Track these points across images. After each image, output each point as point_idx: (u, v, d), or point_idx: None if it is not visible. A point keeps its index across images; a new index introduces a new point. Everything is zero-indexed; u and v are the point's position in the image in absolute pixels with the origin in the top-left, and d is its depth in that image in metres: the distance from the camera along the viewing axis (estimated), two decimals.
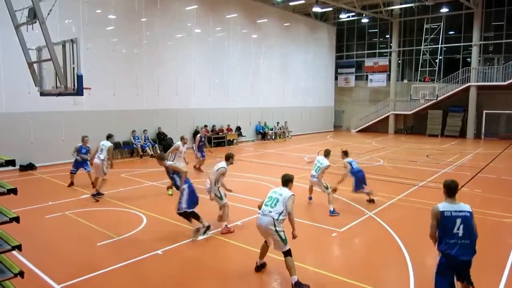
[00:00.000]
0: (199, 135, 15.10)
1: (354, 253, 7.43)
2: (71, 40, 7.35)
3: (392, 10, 31.31)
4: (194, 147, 15.15)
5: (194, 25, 21.75)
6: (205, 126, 22.57)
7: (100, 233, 7.85)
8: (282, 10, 28.77)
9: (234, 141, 24.31)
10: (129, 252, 6.89)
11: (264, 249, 6.24)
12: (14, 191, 3.84)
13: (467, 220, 4.57)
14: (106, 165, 10.87)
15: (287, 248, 5.83)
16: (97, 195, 10.47)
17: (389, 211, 9.67)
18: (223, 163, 8.27)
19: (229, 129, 24.25)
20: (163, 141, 20.00)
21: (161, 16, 19.90)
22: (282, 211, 5.86)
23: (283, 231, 5.85)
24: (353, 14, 31.14)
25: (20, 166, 14.56)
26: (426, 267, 6.67)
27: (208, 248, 7.26)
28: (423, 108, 30.30)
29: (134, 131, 18.63)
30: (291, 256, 5.79)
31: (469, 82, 28.60)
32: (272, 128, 27.86)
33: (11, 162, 3.91)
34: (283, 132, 28.34)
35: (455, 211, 4.61)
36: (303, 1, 26.77)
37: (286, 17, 29.19)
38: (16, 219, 3.82)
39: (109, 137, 11.37)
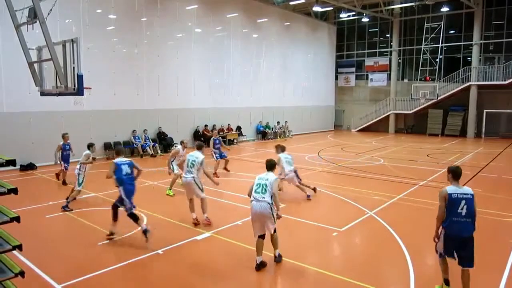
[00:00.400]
0: (213, 138, 14.49)
1: (355, 252, 7.43)
2: (72, 40, 7.36)
3: (392, 9, 31.28)
4: (212, 153, 14.15)
5: (194, 24, 21.76)
6: (206, 126, 22.59)
7: (101, 232, 7.85)
8: (283, 9, 28.76)
9: (235, 140, 24.32)
10: (129, 251, 6.90)
11: (261, 245, 6.36)
12: (14, 190, 3.84)
13: (470, 202, 5.23)
14: (82, 175, 10.06)
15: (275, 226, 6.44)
16: (66, 207, 9.56)
17: (390, 211, 9.67)
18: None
19: (229, 129, 24.26)
20: (163, 141, 20.03)
21: (162, 16, 19.91)
22: (272, 195, 6.33)
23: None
24: (354, 13, 31.12)
25: (21, 166, 14.58)
26: (427, 266, 6.69)
27: (208, 248, 7.27)
28: (423, 107, 30.29)
29: (134, 130, 18.64)
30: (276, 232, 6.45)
31: (470, 81, 28.58)
32: (273, 128, 27.87)
33: (12, 162, 3.91)
34: (284, 131, 28.33)
35: (461, 194, 5.26)
36: (303, 1, 26.77)
37: (287, 17, 29.18)
38: (17, 219, 3.82)
39: (89, 146, 10.28)
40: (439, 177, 13.82)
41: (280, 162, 10.31)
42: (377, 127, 33.19)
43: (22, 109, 14.79)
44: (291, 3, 27.85)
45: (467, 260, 5.27)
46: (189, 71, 21.62)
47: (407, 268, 6.30)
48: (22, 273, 3.78)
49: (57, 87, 7.87)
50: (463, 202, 5.22)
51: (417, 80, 31.27)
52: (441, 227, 5.41)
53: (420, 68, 31.47)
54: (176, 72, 20.81)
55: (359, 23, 34.22)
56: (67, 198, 9.77)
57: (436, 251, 5.56)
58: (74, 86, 7.37)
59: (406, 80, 33.23)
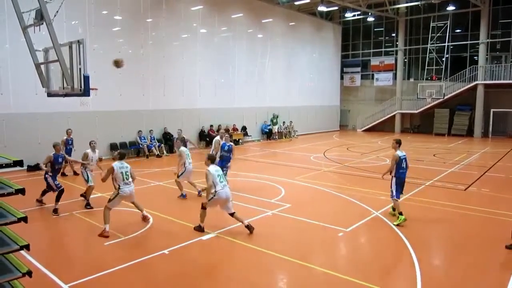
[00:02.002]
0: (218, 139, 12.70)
1: (361, 253, 7.40)
2: (78, 41, 7.41)
3: (398, 8, 31.12)
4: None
5: (199, 25, 21.80)
6: (211, 126, 22.63)
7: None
8: (287, 9, 28.72)
9: (240, 141, 24.33)
10: (136, 251, 6.93)
11: (204, 216, 7.93)
12: (22, 191, 3.87)
13: (406, 160, 9.01)
14: (84, 173, 10.20)
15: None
16: (88, 205, 9.91)
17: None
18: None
19: (234, 129, 24.28)
20: (169, 141, 20.08)
21: (167, 17, 19.97)
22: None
23: None
24: (359, 13, 31.02)
25: (28, 166, 14.68)
26: (433, 266, 6.65)
27: (214, 248, 7.28)
28: (429, 107, 30.10)
29: (140, 131, 18.71)
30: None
31: (476, 80, 28.36)
32: (278, 128, 27.85)
33: (19, 163, 3.94)
34: (289, 131, 28.29)
35: (403, 156, 8.96)
36: (308, 1, 26.68)
37: (292, 17, 29.14)
38: (24, 219, 3.84)
39: (90, 143, 10.52)
40: (445, 177, 13.74)
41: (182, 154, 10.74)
42: (383, 127, 33.05)
43: (29, 110, 14.91)
44: (296, 3, 27.79)
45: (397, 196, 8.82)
46: (194, 72, 21.67)
47: (414, 268, 6.26)
48: (29, 273, 3.81)
49: (63, 88, 7.93)
50: (404, 160, 8.88)
51: (423, 79, 31.10)
52: (393, 178, 8.91)
53: (426, 67, 31.29)
54: (181, 72, 20.86)
55: (364, 23, 34.07)
56: (84, 197, 10.14)
57: (392, 196, 8.88)
58: (81, 87, 7.42)
59: (412, 80, 33.05)
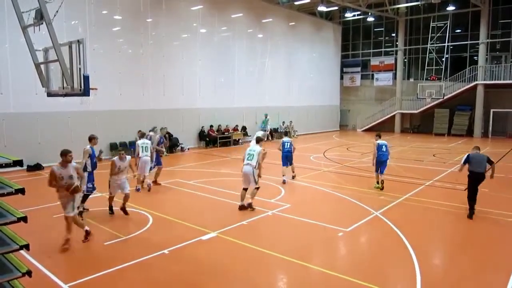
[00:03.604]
0: (158, 135, 12.89)
1: (361, 252, 7.40)
2: (78, 41, 7.41)
3: (398, 8, 31.12)
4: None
5: (199, 25, 21.80)
6: (211, 126, 22.63)
7: (107, 232, 7.90)
8: (287, 9, 28.73)
9: (240, 140, 24.33)
10: (135, 251, 6.92)
11: (243, 194, 9.49)
12: (22, 191, 3.87)
13: (386, 145, 11.72)
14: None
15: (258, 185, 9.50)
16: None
17: (395, 211, 9.63)
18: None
19: (234, 129, 24.28)
20: (169, 141, 20.06)
21: (167, 16, 19.97)
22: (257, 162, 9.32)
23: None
24: (359, 13, 31.03)
25: (28, 166, 14.68)
26: (433, 266, 6.65)
27: (214, 248, 7.27)
28: (429, 107, 30.12)
29: (139, 130, 18.61)
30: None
31: (476, 80, 28.37)
32: (278, 128, 27.84)
33: (19, 162, 3.94)
34: (288, 131, 28.24)
35: (382, 143, 11.72)
36: (308, 0, 26.69)
37: (291, 16, 29.15)
38: (24, 219, 3.85)
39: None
40: (445, 177, 13.74)
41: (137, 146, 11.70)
42: (383, 127, 32.96)
43: (29, 109, 14.90)
44: (296, 3, 27.80)
45: (381, 171, 11.71)
46: (194, 71, 21.67)
47: (414, 268, 6.26)
48: (29, 273, 3.81)
49: (63, 88, 7.92)
50: (383, 146, 11.65)
51: (423, 79, 31.10)
52: (374, 159, 11.63)
53: (426, 67, 31.29)
54: (181, 72, 20.87)
55: (364, 23, 34.08)
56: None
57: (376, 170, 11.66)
58: (80, 86, 7.41)
59: (412, 80, 33.06)
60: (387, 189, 11.68)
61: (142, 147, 11.62)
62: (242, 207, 9.45)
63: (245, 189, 9.53)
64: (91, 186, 8.89)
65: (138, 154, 11.49)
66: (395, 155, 19.18)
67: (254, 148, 9.59)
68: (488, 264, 6.69)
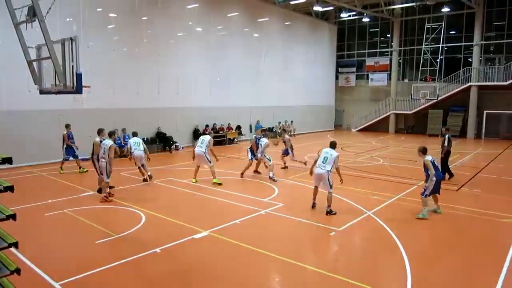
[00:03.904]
0: (254, 136, 14.29)
1: (352, 252, 7.43)
2: (71, 38, 7.35)
3: (393, 9, 31.25)
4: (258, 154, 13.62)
5: (195, 23, 21.75)
6: (206, 126, 22.61)
7: (99, 231, 7.87)
8: (283, 9, 28.74)
9: (235, 139, 24.32)
10: (127, 250, 6.90)
11: (316, 191, 9.59)
12: (10, 188, 3.85)
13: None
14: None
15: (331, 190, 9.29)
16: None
17: (388, 210, 9.68)
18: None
19: (229, 128, 24.27)
20: (163, 140, 20.05)
21: (162, 15, 19.90)
22: (332, 166, 9.22)
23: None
24: (354, 13, 31.10)
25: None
26: (423, 266, 6.69)
27: (206, 247, 7.27)
28: (423, 107, 30.30)
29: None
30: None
31: (470, 82, 28.57)
32: (273, 128, 27.87)
33: (8, 160, 3.92)
34: (284, 130, 28.25)
35: (432, 158, 9.13)
36: (304, 0, 26.74)
37: (287, 16, 29.17)
38: (13, 217, 3.82)
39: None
40: None
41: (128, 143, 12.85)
42: (377, 127, 33.19)
43: (22, 107, 14.79)
44: (292, 2, 27.82)
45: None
46: (189, 70, 21.61)
47: (404, 268, 6.30)
48: (18, 271, 3.79)
49: (56, 86, 7.87)
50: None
51: (417, 80, 31.26)
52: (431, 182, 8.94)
53: (420, 68, 31.44)
54: (176, 71, 20.81)
55: (359, 23, 34.22)
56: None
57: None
58: (73, 84, 7.36)
59: (406, 80, 33.23)
60: (379, 189, 11.74)
61: (134, 143, 12.66)
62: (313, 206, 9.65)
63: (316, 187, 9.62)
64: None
65: (130, 148, 12.65)
66: (389, 155, 19.28)
67: (330, 151, 9.41)
68: (478, 264, 6.75)
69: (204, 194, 11.11)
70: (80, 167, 14.07)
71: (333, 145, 9.54)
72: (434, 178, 8.96)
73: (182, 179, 12.90)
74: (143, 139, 19.02)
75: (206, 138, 12.35)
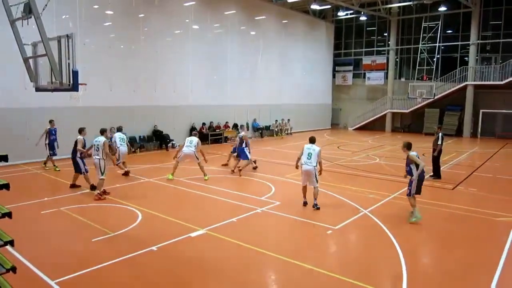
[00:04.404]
0: (241, 135, 14.20)
1: (349, 250, 7.46)
2: (67, 35, 7.31)
3: (390, 8, 31.29)
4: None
5: (192, 21, 21.69)
6: (203, 124, 22.59)
7: (95, 229, 7.86)
8: (280, 7, 28.71)
9: (232, 138, 24.30)
10: (123, 248, 6.90)
11: (305, 190, 9.72)
12: (6, 186, 3.83)
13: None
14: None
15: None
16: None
17: (384, 209, 9.71)
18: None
19: (226, 126, 24.24)
20: (159, 138, 20.01)
21: (159, 12, 19.83)
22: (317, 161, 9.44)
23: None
24: (352, 11, 31.11)
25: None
26: (419, 265, 6.74)
27: (203, 245, 7.27)
28: (420, 106, 30.37)
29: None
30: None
31: (466, 81, 28.66)
32: (270, 126, 27.89)
33: (4, 158, 3.90)
34: (281, 129, 28.34)
35: (308, 147, 9.63)
36: None
37: (284, 14, 29.14)
38: (9, 215, 3.81)
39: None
40: None
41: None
42: (374, 126, 33.25)
43: (18, 105, 14.71)
44: (289, 0, 27.78)
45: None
46: (186, 68, 21.57)
47: (400, 266, 6.33)
48: (13, 269, 3.78)
49: (52, 83, 7.83)
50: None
51: (414, 79, 31.32)
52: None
53: (417, 67, 31.51)
54: (173, 69, 20.75)
55: (357, 22, 34.22)
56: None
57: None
58: (69, 82, 7.33)
59: (403, 79, 33.29)
60: (376, 188, 11.78)
61: (119, 138, 13.35)
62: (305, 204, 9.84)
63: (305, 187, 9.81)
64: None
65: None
66: (386, 154, 19.34)
67: (312, 147, 9.66)
68: (474, 263, 6.79)
69: (201, 192, 11.11)
70: (54, 165, 14.09)
71: (313, 141, 9.80)
72: (415, 178, 8.62)
73: (178, 177, 12.88)
74: (139, 137, 19.32)
75: (194, 139, 12.59)
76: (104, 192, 10.35)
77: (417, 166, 8.58)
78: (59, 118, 15.11)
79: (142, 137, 19.65)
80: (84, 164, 11.24)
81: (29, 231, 7.75)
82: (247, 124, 26.49)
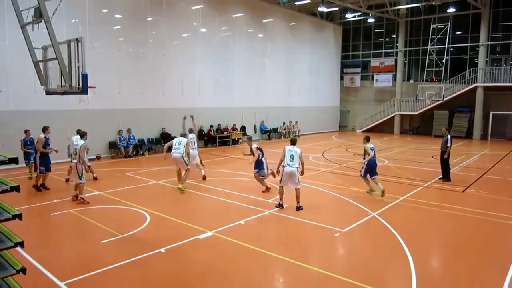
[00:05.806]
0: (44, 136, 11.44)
1: (357, 253, 7.40)
2: (76, 39, 7.43)
3: (398, 10, 31.15)
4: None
5: (199, 24, 21.80)
6: (211, 126, 22.65)
7: (104, 230, 7.90)
8: (288, 9, 28.75)
9: (239, 140, 24.34)
10: (132, 250, 6.93)
11: (282, 190, 9.69)
12: (16, 188, 3.87)
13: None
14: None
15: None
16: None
17: (393, 212, 9.63)
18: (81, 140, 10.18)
19: (234, 129, 24.29)
20: (168, 140, 20.06)
21: (167, 16, 19.97)
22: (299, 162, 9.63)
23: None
24: (359, 13, 31.02)
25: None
26: (429, 268, 6.66)
27: (210, 247, 7.28)
28: (429, 108, 30.12)
29: (120, 130, 17.94)
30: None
31: (476, 82, 28.37)
32: (278, 128, 27.88)
33: (14, 160, 3.94)
34: (288, 131, 28.31)
35: (372, 146, 10.95)
36: (309, 1, 26.73)
37: (292, 17, 29.16)
38: (19, 216, 3.84)
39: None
40: None
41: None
42: (382, 128, 33.07)
43: (29, 108, 14.89)
44: (297, 3, 27.83)
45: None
46: (194, 71, 21.67)
47: (409, 270, 6.26)
48: (23, 270, 3.81)
49: (62, 86, 7.93)
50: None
51: (423, 81, 31.11)
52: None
53: (426, 69, 31.29)
54: (181, 71, 20.87)
55: (365, 24, 34.11)
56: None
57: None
58: (79, 85, 7.43)
59: (411, 81, 33.07)
60: (385, 190, 11.69)
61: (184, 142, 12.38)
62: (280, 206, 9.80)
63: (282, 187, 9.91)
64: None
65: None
66: (394, 156, 19.21)
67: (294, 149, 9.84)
68: (484, 266, 6.70)
69: (209, 195, 11.12)
70: (30, 172, 12.78)
71: (294, 142, 9.97)
72: (366, 162, 11.08)
73: (186, 179, 12.89)
74: (148, 139, 19.42)
75: (183, 141, 12.00)
76: (83, 200, 9.95)
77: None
78: (69, 121, 15.27)
79: (150, 139, 19.76)
80: (40, 165, 11.09)
81: (39, 232, 7.83)
82: (255, 126, 26.56)
